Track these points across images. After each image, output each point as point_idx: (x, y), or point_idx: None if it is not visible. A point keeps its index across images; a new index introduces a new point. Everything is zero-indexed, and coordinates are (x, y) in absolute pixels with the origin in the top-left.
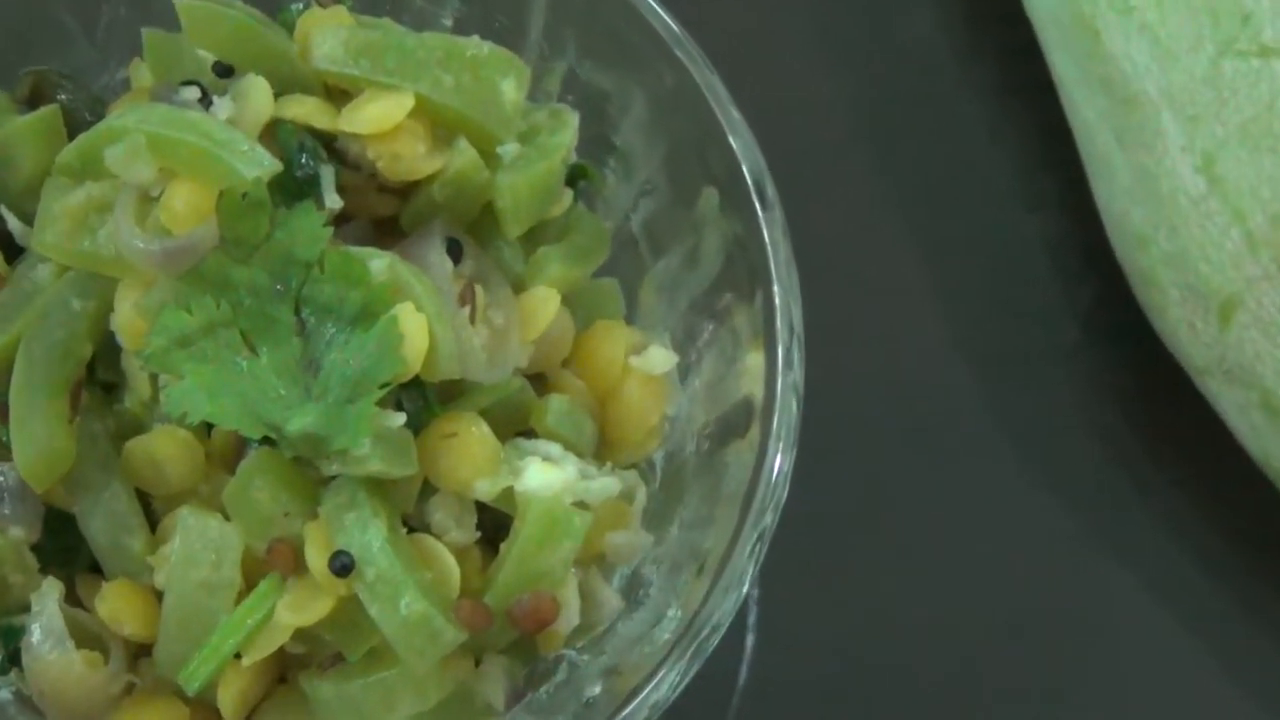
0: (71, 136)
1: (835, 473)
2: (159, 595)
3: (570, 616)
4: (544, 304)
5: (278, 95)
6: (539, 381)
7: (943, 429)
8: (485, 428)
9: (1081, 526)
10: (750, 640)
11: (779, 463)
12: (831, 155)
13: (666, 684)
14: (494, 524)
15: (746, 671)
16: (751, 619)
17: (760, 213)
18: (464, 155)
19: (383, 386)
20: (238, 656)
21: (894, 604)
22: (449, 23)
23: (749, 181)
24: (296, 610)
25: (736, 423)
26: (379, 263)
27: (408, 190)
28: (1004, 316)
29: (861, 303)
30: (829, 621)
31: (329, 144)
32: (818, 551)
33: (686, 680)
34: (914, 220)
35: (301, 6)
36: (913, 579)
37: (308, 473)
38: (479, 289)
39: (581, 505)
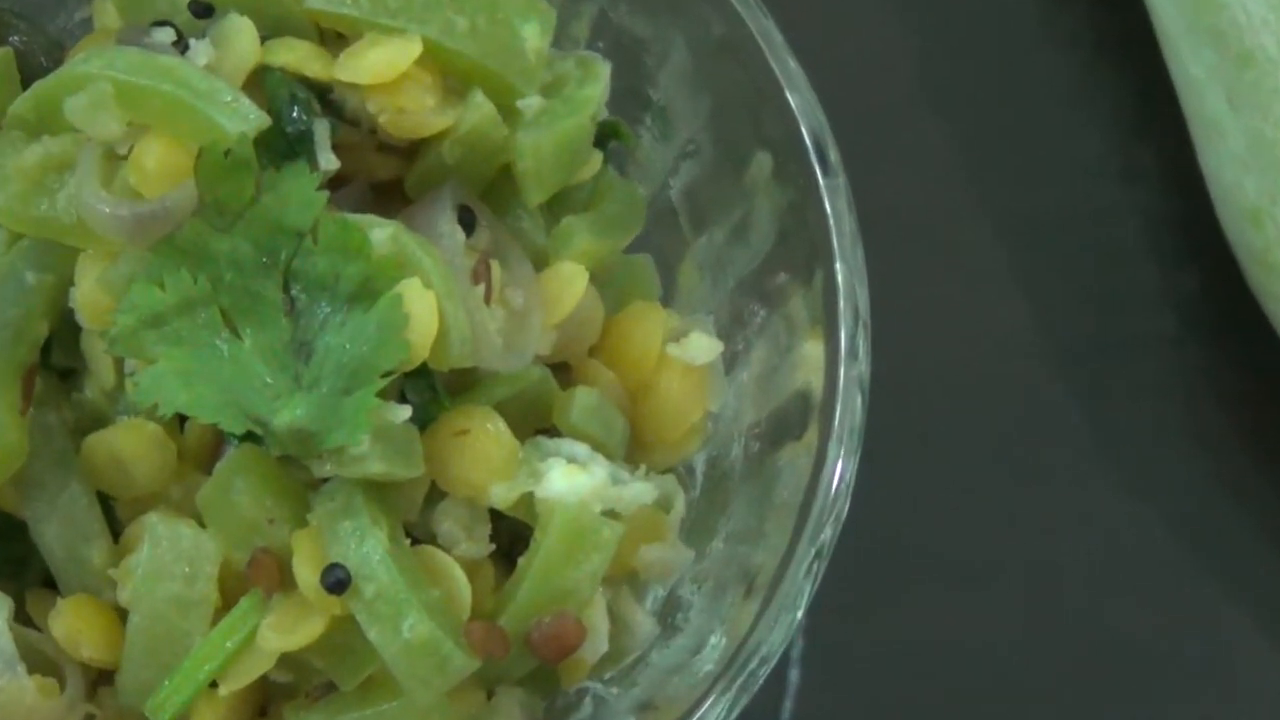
0: (25, 85)
1: (899, 481)
2: (123, 614)
3: (597, 643)
4: (569, 282)
5: (265, 39)
6: (563, 372)
7: (1021, 432)
8: (501, 424)
9: (1179, 547)
10: (795, 675)
11: (840, 468)
12: (898, 115)
13: None
14: (510, 535)
15: (791, 710)
16: (796, 651)
17: (821, 179)
18: (479, 110)
19: (384, 375)
20: (214, 685)
21: (962, 636)
22: None
23: (808, 143)
24: (282, 632)
25: (791, 422)
26: (381, 232)
27: (413, 150)
28: (1093, 303)
29: (930, 286)
30: (887, 655)
31: (323, 96)
32: (876, 572)
33: (732, 717)
34: (992, 192)
35: None
36: (984, 606)
37: (296, 474)
38: (495, 264)
39: (611, 514)
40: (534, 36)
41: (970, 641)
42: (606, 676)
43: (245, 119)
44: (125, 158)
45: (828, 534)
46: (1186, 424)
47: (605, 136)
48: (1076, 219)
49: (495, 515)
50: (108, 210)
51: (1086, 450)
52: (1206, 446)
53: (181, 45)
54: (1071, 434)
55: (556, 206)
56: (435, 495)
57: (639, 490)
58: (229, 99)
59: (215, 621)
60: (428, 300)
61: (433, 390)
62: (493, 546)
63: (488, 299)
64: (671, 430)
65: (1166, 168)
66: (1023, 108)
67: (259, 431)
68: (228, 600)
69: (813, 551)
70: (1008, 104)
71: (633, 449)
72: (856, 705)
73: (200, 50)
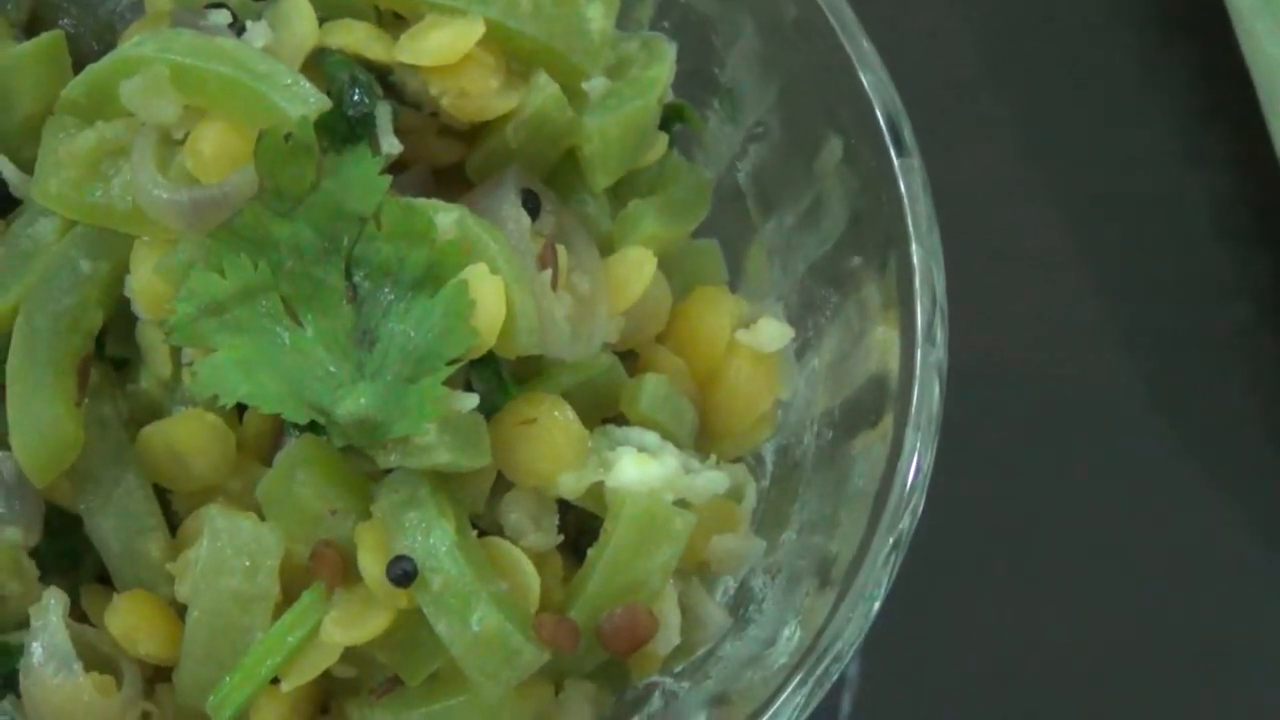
0: (77, 68)
1: (962, 470)
2: (181, 610)
3: (669, 635)
4: (637, 268)
5: (323, 20)
6: (631, 359)
7: (1092, 424)
8: (570, 413)
9: (1251, 539)
10: (854, 668)
11: (919, 456)
12: (964, 97)
13: (784, 716)
14: (579, 526)
15: (851, 703)
16: None
17: (896, 160)
18: (543, 92)
19: (450, 363)
20: (275, 681)
21: (1026, 629)
22: None
23: (882, 124)
24: (346, 626)
25: (865, 409)
26: (446, 217)
27: (476, 133)
28: (1163, 291)
29: (999, 274)
30: (951, 649)
31: (384, 78)
32: (938, 562)
33: (808, 712)
34: (1060, 177)
35: None
36: (1050, 598)
37: (360, 464)
38: (561, 249)
39: (682, 504)
40: (598, 16)
41: (1035, 634)
42: (677, 670)
43: (306, 102)
44: (182, 142)
45: (905, 523)
46: (1259, 413)
47: (671, 119)
48: (1146, 204)
49: (564, 506)
50: (165, 196)
51: (1156, 441)
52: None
53: (238, 27)
54: (1140, 424)
55: (622, 191)
56: (502, 486)
57: (711, 479)
58: (289, 82)
59: (277, 616)
60: (495, 286)
61: (499, 378)
62: (561, 537)
63: (554, 285)
64: (741, 419)
65: (1239, 151)
66: (1092, 90)
67: (321, 421)
68: (289, 595)
69: (890, 541)
70: (1077, 86)
71: (701, 438)
72: (918, 699)
73: (257, 32)
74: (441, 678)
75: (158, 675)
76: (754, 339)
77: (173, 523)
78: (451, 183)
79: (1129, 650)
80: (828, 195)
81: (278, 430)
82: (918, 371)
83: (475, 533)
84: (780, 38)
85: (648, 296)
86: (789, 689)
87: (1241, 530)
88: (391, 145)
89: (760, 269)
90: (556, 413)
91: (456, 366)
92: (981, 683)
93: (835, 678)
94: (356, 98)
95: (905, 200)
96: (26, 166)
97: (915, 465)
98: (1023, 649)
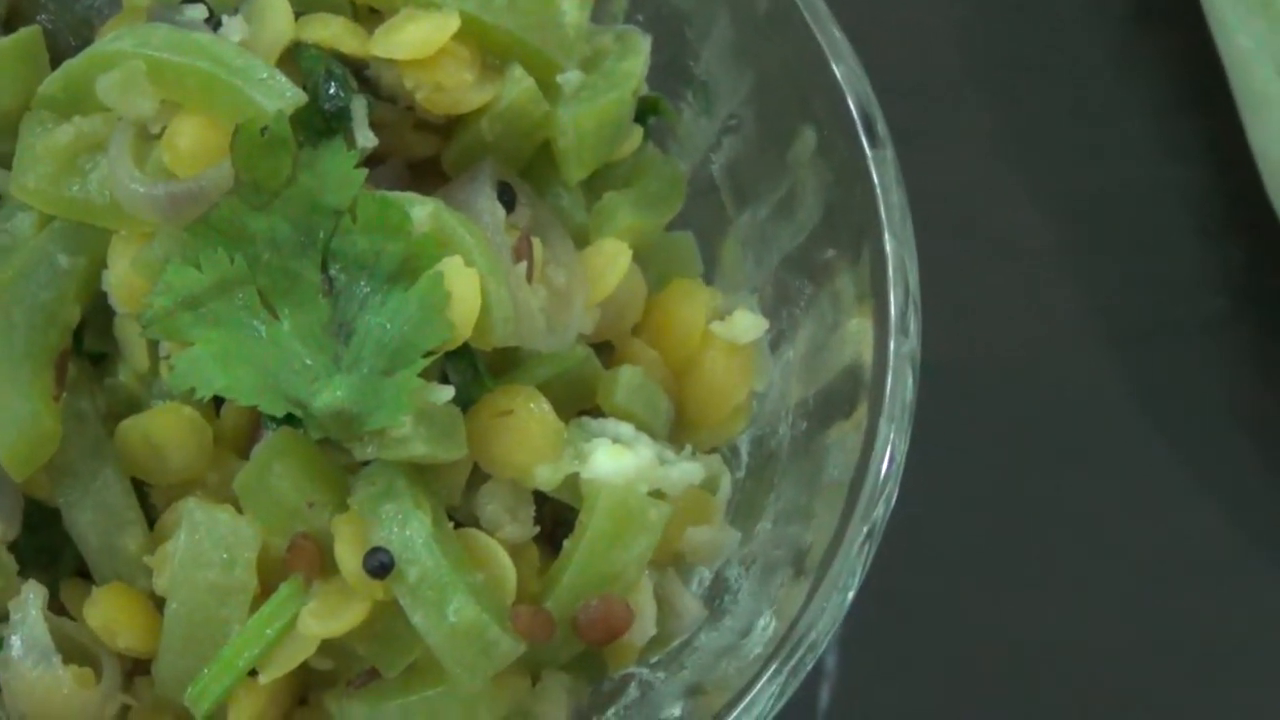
0: (55, 64)
1: (943, 465)
2: (159, 602)
3: (645, 626)
4: (612, 260)
5: (299, 14)
6: (606, 351)
7: (1069, 414)
8: (545, 405)
9: (1232, 532)
10: (832, 660)
11: (892, 446)
12: (941, 91)
13: (759, 705)
14: (555, 518)
15: (829, 695)
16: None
17: (869, 151)
18: (518, 85)
19: (426, 355)
20: (253, 673)
21: (1006, 622)
22: None
23: (855, 115)
24: (323, 618)
25: (840, 400)
26: (421, 210)
27: (451, 126)
28: (1140, 283)
29: (975, 265)
30: (929, 640)
31: (360, 72)
32: (919, 556)
33: (783, 701)
34: (1036, 168)
35: None
36: (1030, 592)
37: (336, 457)
38: (536, 242)
39: (658, 495)
40: (573, 10)
41: (1015, 628)
42: (653, 660)
43: (282, 96)
44: (158, 137)
45: (879, 512)
46: (1238, 405)
47: (645, 112)
48: (1122, 197)
49: (540, 497)
50: (142, 190)
51: (1136, 434)
52: (1262, 426)
53: (214, 21)
54: (1120, 417)
55: (596, 183)
56: (478, 478)
57: (686, 470)
58: (265, 76)
59: (254, 608)
60: (470, 278)
61: (475, 370)
62: (537, 529)
63: (529, 277)
64: (716, 410)
65: (1214, 143)
66: (1066, 83)
67: (298, 414)
68: (267, 587)
69: (864, 530)
70: (1050, 80)
71: (676, 429)
72: (897, 692)
73: (233, 27)
74: (419, 669)
75: (137, 668)
76: (729, 331)
77: (151, 516)
78: (427, 176)
79: (1104, 634)
80: (801, 187)
81: (255, 423)
82: (891, 362)
83: (451, 524)
84: (754, 30)
85: (623, 289)
86: (764, 679)
87: (1240, 528)
88: (367, 139)
89: (735, 261)
90: (532, 405)
91: (432, 359)
92: (960, 672)
93: (810, 668)
94: (332, 92)
95: (878, 191)
96: (4, 162)
97: (889, 455)
98: (1000, 638)
